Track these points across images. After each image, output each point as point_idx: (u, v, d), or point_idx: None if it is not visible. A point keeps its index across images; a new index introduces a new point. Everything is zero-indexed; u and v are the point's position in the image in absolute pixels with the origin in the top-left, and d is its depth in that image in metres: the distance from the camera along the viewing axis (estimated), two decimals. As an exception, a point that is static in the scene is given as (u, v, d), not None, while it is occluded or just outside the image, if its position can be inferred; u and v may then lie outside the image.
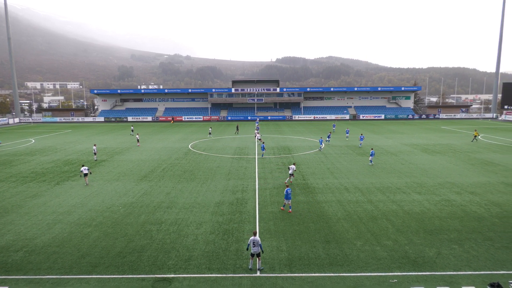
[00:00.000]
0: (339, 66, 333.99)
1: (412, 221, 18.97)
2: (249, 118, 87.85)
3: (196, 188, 25.51)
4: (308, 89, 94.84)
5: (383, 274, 13.80)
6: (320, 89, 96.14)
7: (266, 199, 22.84)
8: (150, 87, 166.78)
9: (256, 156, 37.38)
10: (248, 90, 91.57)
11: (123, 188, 25.74)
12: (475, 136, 47.21)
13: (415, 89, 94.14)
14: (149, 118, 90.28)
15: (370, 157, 32.84)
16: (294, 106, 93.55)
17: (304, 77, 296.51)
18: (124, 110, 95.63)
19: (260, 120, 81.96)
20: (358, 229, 18.00)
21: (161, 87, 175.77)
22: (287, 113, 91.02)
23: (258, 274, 13.95)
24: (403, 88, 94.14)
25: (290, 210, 20.62)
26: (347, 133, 51.31)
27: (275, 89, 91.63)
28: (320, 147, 41.38)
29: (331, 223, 18.80)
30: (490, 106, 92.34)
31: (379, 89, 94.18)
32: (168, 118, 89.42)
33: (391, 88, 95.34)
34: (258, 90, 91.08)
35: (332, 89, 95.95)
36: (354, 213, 20.21)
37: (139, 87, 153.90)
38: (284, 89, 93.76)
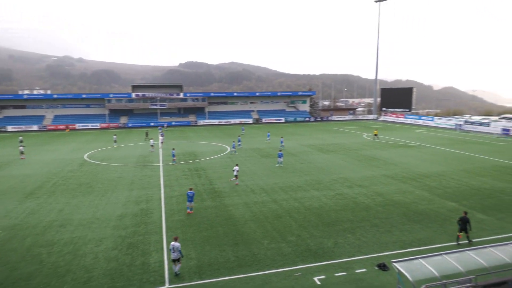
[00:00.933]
0: (241, 71, 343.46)
1: (312, 216, 20.49)
2: (151, 124, 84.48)
3: (94, 202, 23.49)
4: (212, 94, 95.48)
5: (288, 268, 14.60)
6: (224, 94, 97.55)
7: (173, 207, 22.22)
8: (35, 92, 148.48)
9: (161, 164, 36.11)
10: (150, 95, 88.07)
11: (2, 209, 22.31)
12: (375, 135, 53.42)
13: (310, 93, 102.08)
14: (35, 127, 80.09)
15: (279, 158, 34.27)
16: (199, 111, 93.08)
17: (208, 82, 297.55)
18: (2, 118, 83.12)
19: (165, 127, 79.54)
20: (265, 228, 18.73)
21: (48, 92, 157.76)
22: (191, 118, 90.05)
23: (167, 286, 13.49)
24: (300, 93, 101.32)
25: (191, 211, 20.83)
26: (268, 136, 53.32)
27: (179, 94, 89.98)
28: (233, 151, 42.06)
29: (239, 225, 19.17)
30: (372, 108, 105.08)
31: (279, 93, 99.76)
32: (59, 127, 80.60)
33: (289, 93, 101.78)
34: (161, 95, 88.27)
35: (235, 94, 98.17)
36: (260, 213, 20.96)
37: (20, 92, 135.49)
38: (188, 94, 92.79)
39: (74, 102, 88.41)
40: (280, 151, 36.07)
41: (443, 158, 37.45)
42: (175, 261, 14.29)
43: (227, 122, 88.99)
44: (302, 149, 44.14)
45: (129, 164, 36.30)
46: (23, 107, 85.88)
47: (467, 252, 12.91)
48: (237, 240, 17.30)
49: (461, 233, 16.86)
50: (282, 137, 48.40)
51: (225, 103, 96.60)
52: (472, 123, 66.60)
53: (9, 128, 78.94)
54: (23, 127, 79.64)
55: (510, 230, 18.30)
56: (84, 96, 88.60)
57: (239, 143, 46.89)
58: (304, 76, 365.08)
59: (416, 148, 44.33)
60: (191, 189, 21.38)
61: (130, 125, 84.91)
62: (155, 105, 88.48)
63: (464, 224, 16.71)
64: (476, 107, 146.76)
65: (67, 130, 78.05)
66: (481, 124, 64.76)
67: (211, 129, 74.63)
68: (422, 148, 43.92)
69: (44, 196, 24.93)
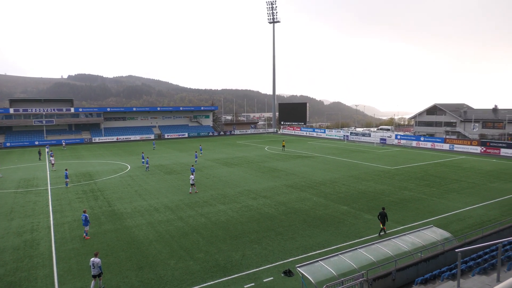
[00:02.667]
0: (141, 86, 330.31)
1: (219, 230, 20.45)
2: (36, 143, 74.85)
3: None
4: (109, 109, 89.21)
5: (198, 287, 14.23)
6: (122, 109, 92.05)
7: (65, 235, 19.87)
8: None
9: (49, 187, 32.14)
10: (34, 110, 78.18)
11: None
12: (283, 146, 57.27)
13: (213, 108, 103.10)
14: None
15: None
16: (94, 128, 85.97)
17: (103, 96, 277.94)
18: None
19: (64, 146, 71.30)
20: (171, 248, 18.00)
21: None
22: (85, 135, 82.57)
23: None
24: (202, 108, 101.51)
25: (87, 236, 19.18)
26: (201, 150, 55.26)
27: (69, 109, 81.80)
28: (143, 163, 42.58)
29: (143, 248, 18.06)
30: (271, 122, 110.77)
31: (181, 108, 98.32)
32: None
33: (192, 108, 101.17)
34: (47, 111, 79.11)
35: (134, 109, 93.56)
36: (166, 233, 20.11)
37: None
38: (80, 109, 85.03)
39: None
40: (192, 166, 35.35)
41: (335, 166, 41.32)
42: (95, 277, 14.19)
43: (126, 138, 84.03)
44: (207, 164, 44.05)
45: (7, 189, 31.44)
46: None
47: (358, 250, 14.37)
48: (142, 264, 16.26)
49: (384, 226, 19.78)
50: (196, 152, 49.52)
51: (124, 119, 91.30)
52: (356, 134, 75.20)
53: None
54: None
55: (393, 226, 20.99)
56: None
57: (144, 160, 44.09)
58: (206, 91, 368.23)
59: (312, 158, 48.02)
60: (84, 211, 19.56)
61: (8, 144, 73.98)
62: (41, 121, 78.92)
63: (383, 218, 19.62)
64: (360, 120, 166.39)
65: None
66: (363, 134, 73.54)
67: (109, 147, 69.58)
68: (317, 158, 47.78)
69: None
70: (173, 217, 22.81)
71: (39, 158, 51.50)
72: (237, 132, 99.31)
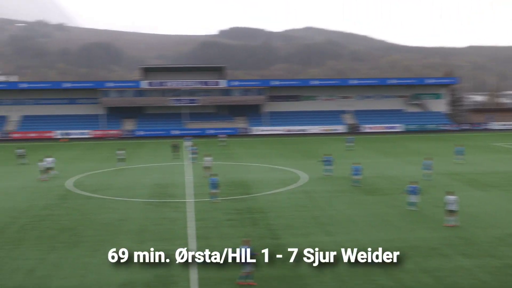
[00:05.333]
0: (324, 43, 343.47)
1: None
2: (174, 133, 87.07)
3: (82, 259, 24.48)
4: (275, 83, 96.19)
5: None
6: (294, 82, 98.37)
7: (210, 274, 22.41)
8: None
9: (192, 199, 36.90)
10: (171, 84, 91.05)
11: None
12: None
13: (449, 81, 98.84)
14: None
15: (412, 196, 32.90)
16: (252, 112, 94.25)
17: (268, 62, 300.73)
18: None
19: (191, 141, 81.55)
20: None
21: (12, 79, 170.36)
22: (240, 123, 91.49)
23: None
24: (429, 81, 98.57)
25: (247, 281, 20.69)
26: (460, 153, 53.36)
27: (218, 83, 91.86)
28: (328, 171, 44.24)
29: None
30: None
31: (391, 82, 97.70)
32: (29, 135, 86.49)
33: (410, 81, 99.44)
34: (189, 85, 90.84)
35: (313, 82, 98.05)
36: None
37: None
38: (235, 82, 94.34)
39: (51, 95, 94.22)
40: (416, 183, 34.08)
41: None
42: None
43: (300, 130, 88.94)
44: (437, 180, 42.70)
45: (138, 198, 37.60)
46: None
47: None
48: None
49: None
50: (428, 159, 46.16)
51: (296, 98, 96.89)
52: None
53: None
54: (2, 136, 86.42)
55: None
56: (67, 85, 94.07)
57: (328, 167, 45.92)
58: (436, 50, 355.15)
59: None
60: (246, 242, 21.09)
61: (139, 133, 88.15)
62: (179, 100, 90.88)
63: None
64: None
65: (64, 140, 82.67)
66: None
67: (273, 142, 75.38)
68: None
69: (7, 248, 26.54)
70: (375, 270, 22.89)
71: (174, 155, 59.35)
72: (496, 125, 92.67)
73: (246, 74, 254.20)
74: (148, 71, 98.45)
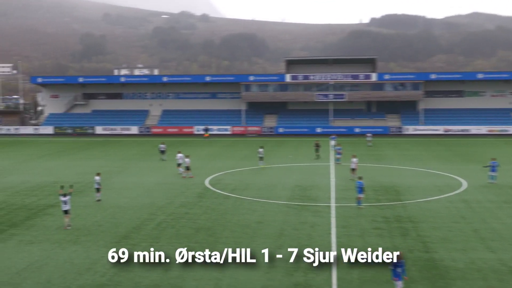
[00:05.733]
0: (494, 30, 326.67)
1: None
2: (318, 130, 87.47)
3: (219, 261, 25.29)
4: (433, 76, 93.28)
5: None
6: (457, 75, 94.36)
7: (354, 285, 22.17)
8: (137, 72, 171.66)
9: (333, 203, 36.83)
10: (317, 78, 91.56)
11: (84, 258, 26.06)
12: None
13: None
14: (134, 130, 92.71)
15: None
16: (406, 109, 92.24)
17: (426, 53, 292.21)
18: (90, 113, 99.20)
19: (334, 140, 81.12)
20: None
21: (155, 72, 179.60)
22: (392, 121, 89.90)
23: None
24: None
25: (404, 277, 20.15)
26: None
27: (369, 76, 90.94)
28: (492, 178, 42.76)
29: None
30: None
31: None
32: (169, 130, 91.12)
33: None
34: (336, 78, 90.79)
35: (480, 75, 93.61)
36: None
37: (116, 72, 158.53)
38: (387, 76, 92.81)
39: (192, 89, 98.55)
40: None
41: None
42: None
43: (461, 130, 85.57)
44: None
45: (277, 200, 38.15)
46: (118, 96, 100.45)
47: None
48: None
49: None
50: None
51: (459, 94, 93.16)
52: None
53: (99, 130, 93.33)
54: (118, 129, 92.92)
55: None
56: (208, 79, 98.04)
57: (493, 173, 43.64)
58: None
59: None
60: (399, 257, 20.58)
61: (280, 130, 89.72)
62: (325, 95, 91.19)
63: None
64: None
65: (206, 135, 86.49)
66: None
67: (429, 143, 73.07)
68: None
69: (143, 244, 28.16)
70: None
71: (317, 155, 59.29)
72: None
73: (400, 67, 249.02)
74: (292, 63, 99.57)
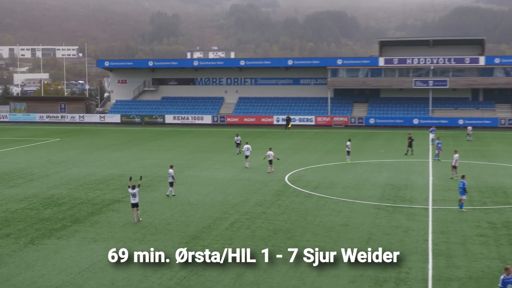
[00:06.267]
0: None
1: None
2: (415, 121, 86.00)
3: (297, 267, 25.26)
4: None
5: None
6: None
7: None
8: (211, 55, 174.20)
9: (430, 205, 36.10)
10: (414, 62, 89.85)
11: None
12: None
13: None
14: (207, 119, 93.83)
15: None
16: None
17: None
18: (160, 101, 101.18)
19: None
20: None
21: (232, 55, 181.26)
22: (502, 112, 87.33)
23: None
24: None
25: None
26: None
27: (476, 60, 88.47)
28: None
29: None
30: None
31: None
32: (247, 120, 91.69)
33: None
34: (437, 63, 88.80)
35: None
36: None
37: (189, 55, 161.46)
38: (498, 60, 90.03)
39: (271, 74, 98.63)
40: None
41: None
42: None
43: None
44: None
45: (365, 200, 37.85)
46: (191, 82, 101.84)
47: None
48: None
49: None
50: None
51: None
52: None
53: (169, 118, 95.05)
54: (189, 118, 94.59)
55: None
56: (290, 63, 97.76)
57: None
58: None
59: None
60: (507, 270, 20.03)
61: (371, 121, 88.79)
62: (424, 82, 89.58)
63: None
64: None
65: (290, 126, 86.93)
66: None
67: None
68: None
69: (215, 246, 28.48)
70: None
71: (408, 151, 57.65)
72: None
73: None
74: (386, 45, 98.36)
